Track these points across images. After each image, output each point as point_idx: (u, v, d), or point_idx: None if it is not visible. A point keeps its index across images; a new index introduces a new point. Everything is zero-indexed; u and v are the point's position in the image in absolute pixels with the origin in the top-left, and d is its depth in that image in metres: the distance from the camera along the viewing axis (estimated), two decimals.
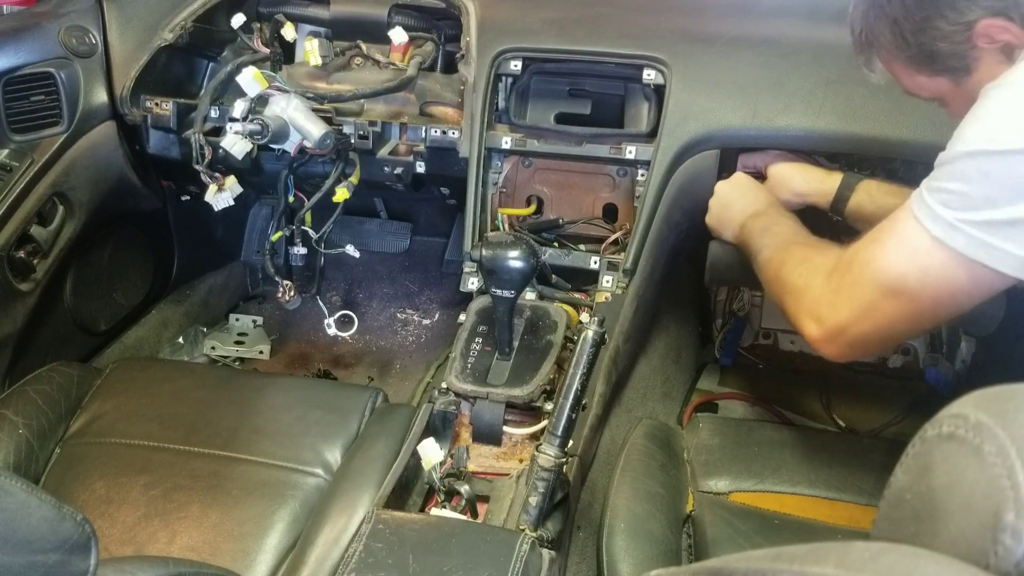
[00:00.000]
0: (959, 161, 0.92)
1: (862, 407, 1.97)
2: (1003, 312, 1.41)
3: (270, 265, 1.93)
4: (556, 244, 1.64)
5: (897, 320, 1.00)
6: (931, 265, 0.94)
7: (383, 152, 1.70)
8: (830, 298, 1.04)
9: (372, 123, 1.66)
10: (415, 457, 1.22)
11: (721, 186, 1.45)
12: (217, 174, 1.72)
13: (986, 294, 0.95)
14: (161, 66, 1.77)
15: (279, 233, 1.87)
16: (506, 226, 1.66)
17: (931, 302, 0.97)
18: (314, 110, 1.62)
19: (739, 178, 1.45)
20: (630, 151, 1.56)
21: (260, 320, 2.29)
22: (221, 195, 1.74)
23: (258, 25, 1.84)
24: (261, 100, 1.63)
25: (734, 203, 1.40)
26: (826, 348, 1.07)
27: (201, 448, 1.37)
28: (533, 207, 1.68)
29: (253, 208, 2.42)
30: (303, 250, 1.91)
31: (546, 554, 1.02)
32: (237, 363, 2.17)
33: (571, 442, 1.12)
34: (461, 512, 1.17)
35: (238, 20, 1.78)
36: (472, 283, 1.57)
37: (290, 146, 1.62)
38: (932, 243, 0.92)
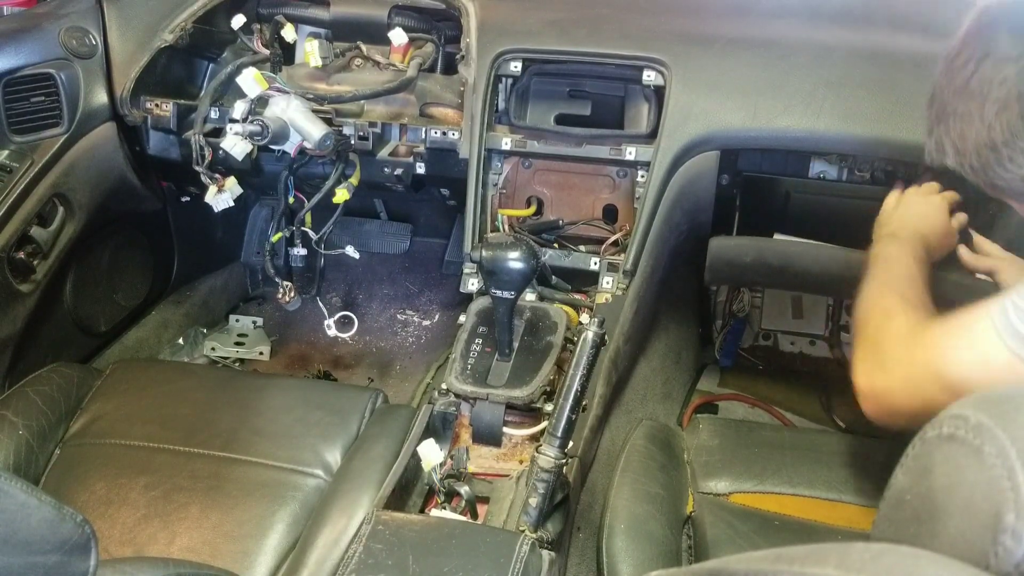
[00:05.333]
0: None
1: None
2: None
3: (270, 266, 1.93)
4: (556, 245, 1.64)
5: (943, 406, 1.00)
6: (1002, 378, 0.93)
7: (383, 153, 1.70)
8: (890, 365, 1.05)
9: (372, 124, 1.66)
10: (415, 458, 1.21)
11: (912, 195, 1.35)
12: (217, 175, 1.73)
13: None
14: (161, 67, 1.77)
15: (279, 234, 1.87)
16: (506, 227, 1.66)
17: None
18: (314, 111, 1.62)
19: (925, 194, 1.34)
20: (630, 152, 1.56)
21: (260, 321, 2.29)
22: (221, 196, 1.74)
23: (258, 26, 1.85)
24: (261, 101, 1.63)
25: (900, 218, 1.32)
26: (865, 404, 1.08)
27: (201, 449, 1.37)
28: (533, 208, 1.68)
29: (253, 209, 2.42)
30: (303, 251, 1.91)
31: (546, 555, 1.02)
32: (237, 364, 2.18)
33: (571, 443, 1.11)
34: (461, 513, 1.17)
35: (238, 21, 1.78)
36: (472, 284, 1.57)
37: (290, 147, 1.62)
38: (1010, 358, 0.91)
